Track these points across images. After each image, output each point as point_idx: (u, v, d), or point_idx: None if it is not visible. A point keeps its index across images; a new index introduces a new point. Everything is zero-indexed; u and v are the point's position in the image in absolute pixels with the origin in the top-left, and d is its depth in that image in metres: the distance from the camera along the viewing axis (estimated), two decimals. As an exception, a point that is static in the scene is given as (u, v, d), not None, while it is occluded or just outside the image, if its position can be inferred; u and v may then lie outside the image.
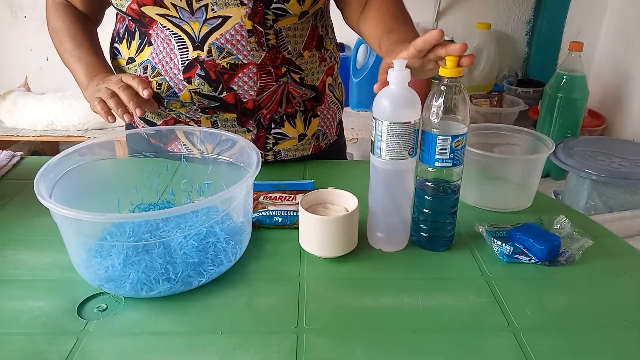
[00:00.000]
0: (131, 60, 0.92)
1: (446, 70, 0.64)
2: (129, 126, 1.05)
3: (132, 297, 0.63)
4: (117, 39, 0.95)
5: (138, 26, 0.89)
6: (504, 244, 0.71)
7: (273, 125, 0.97)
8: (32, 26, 2.29)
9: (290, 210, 0.79)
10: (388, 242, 0.73)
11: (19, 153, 1.06)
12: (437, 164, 0.67)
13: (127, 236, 0.67)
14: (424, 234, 0.73)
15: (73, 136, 1.96)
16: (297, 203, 0.81)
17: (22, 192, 0.90)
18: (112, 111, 0.81)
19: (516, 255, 0.71)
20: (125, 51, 0.93)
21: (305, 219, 0.69)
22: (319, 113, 1.01)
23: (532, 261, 0.71)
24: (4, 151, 1.05)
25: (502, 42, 2.28)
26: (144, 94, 0.80)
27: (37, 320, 0.59)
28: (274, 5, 0.84)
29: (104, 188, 0.76)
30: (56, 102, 1.99)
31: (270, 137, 0.97)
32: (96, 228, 0.67)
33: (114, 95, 0.81)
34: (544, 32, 2.21)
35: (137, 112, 0.79)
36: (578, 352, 0.56)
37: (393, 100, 0.65)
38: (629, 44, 2.00)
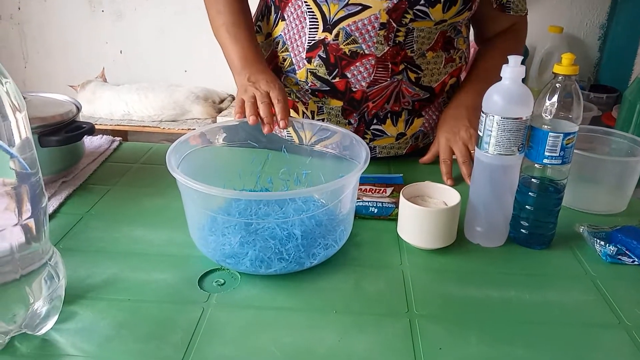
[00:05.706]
0: (269, 35, 0.97)
1: (561, 68, 0.65)
2: None
3: (247, 274, 0.66)
4: (260, 17, 1.01)
5: (276, 1, 0.93)
6: (607, 245, 0.71)
7: (375, 121, 0.97)
8: (108, 20, 2.40)
9: (385, 202, 0.81)
10: (487, 238, 0.74)
11: (117, 138, 1.12)
12: (545, 160, 0.68)
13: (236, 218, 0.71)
14: (524, 231, 0.73)
15: (148, 126, 2.04)
16: (388, 196, 0.83)
17: (127, 174, 0.95)
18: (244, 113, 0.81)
19: (619, 257, 0.71)
20: (265, 27, 0.98)
21: (410, 210, 0.71)
22: (424, 114, 1.00)
23: (636, 263, 0.70)
24: (104, 136, 1.12)
25: (574, 46, 2.23)
26: (280, 124, 0.79)
27: (163, 291, 0.63)
28: (417, 7, 0.84)
29: (212, 172, 0.80)
30: (132, 93, 2.08)
31: (369, 132, 0.98)
32: (216, 205, 0.72)
33: (254, 104, 0.81)
34: (619, 37, 2.15)
35: (265, 130, 0.79)
36: (696, 354, 0.55)
37: (506, 95, 0.66)
38: None
